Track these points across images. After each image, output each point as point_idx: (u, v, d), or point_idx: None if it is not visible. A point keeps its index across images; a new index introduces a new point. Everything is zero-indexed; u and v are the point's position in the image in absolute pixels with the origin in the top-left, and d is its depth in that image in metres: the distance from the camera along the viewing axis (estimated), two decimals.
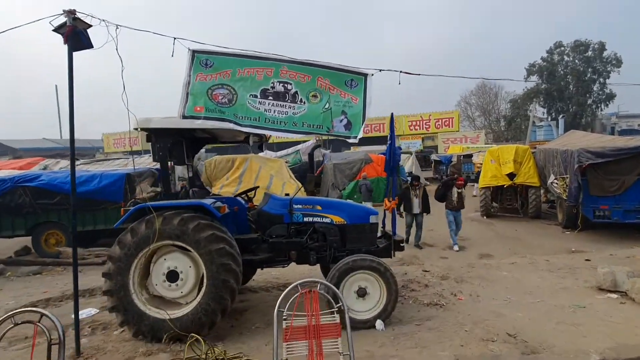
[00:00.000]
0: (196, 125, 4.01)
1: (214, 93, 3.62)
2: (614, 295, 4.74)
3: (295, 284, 2.85)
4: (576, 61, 38.61)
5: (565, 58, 39.14)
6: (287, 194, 5.08)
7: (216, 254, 3.87)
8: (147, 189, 9.51)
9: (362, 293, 4.22)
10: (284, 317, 2.75)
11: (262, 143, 5.57)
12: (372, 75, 3.96)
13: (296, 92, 3.72)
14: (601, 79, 38.30)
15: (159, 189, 10.59)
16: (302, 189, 12.79)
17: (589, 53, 38.00)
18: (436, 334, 3.90)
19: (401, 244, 4.75)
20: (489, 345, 3.52)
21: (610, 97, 38.37)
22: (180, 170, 11.64)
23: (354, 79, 3.86)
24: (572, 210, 8.88)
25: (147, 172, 9.80)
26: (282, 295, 2.78)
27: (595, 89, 38.96)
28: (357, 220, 4.76)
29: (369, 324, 4.16)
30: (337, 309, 2.95)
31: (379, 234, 5.19)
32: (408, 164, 21.43)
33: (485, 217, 11.62)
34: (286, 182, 12.29)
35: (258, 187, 5.92)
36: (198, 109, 3.60)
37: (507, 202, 11.70)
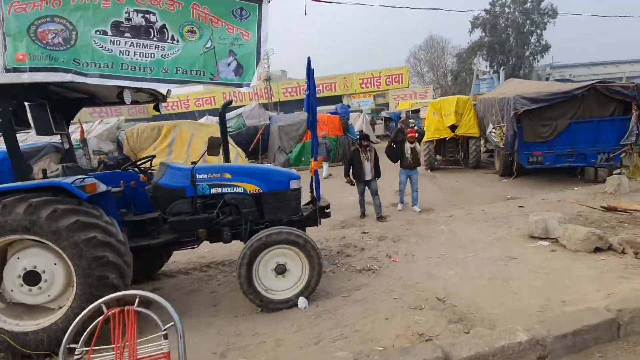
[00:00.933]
0: (22, 80, 2.90)
1: (39, 30, 2.56)
2: (545, 243, 4.57)
3: (99, 301, 2.02)
4: (516, 13, 39.15)
5: (507, 10, 39.54)
6: (193, 162, 4.27)
7: (85, 246, 3.01)
8: (52, 168, 8.13)
9: (281, 270, 3.63)
10: (77, 357, 1.88)
11: (158, 101, 4.57)
12: (269, 2, 3.07)
13: (164, 26, 2.77)
14: (538, 31, 39.41)
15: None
16: (244, 156, 11.89)
17: (527, 4, 38.60)
18: (362, 307, 3.45)
19: (326, 210, 4.15)
20: (415, 316, 3.12)
21: (546, 48, 39.83)
22: (96, 143, 10.22)
23: (244, 8, 2.95)
24: (508, 159, 8.86)
25: (47, 147, 8.32)
26: (77, 321, 1.91)
27: (532, 40, 40.13)
28: (276, 187, 4.07)
29: (291, 303, 3.63)
30: (164, 334, 2.03)
31: (307, 200, 4.61)
32: (358, 122, 20.93)
33: (429, 171, 11.51)
34: None
35: (154, 156, 4.93)
36: (20, 57, 2.55)
37: (450, 154, 11.62)
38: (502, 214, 6.28)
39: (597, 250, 4.04)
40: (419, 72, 47.47)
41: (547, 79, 38.86)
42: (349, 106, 20.42)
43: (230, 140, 12.03)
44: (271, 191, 4.05)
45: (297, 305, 3.61)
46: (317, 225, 4.21)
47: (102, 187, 3.38)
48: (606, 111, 7.67)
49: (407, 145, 7.10)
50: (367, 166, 6.73)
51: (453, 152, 11.57)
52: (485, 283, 3.67)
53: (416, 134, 7.20)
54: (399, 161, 7.22)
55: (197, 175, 3.93)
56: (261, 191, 4.02)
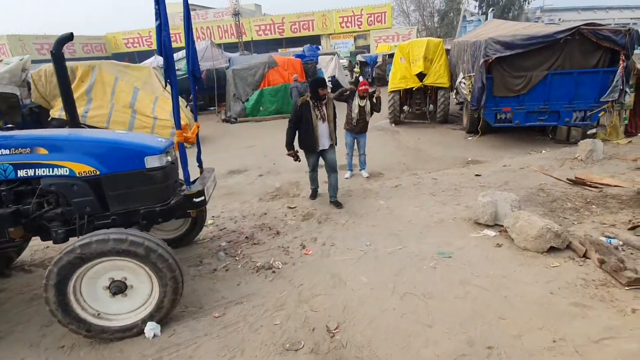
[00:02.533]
0: None
1: None
2: (492, 233, 3.61)
3: None
4: None
5: None
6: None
7: None
8: None
9: (118, 289, 2.54)
10: None
11: None
12: None
13: None
14: None
15: None
16: (185, 106, 10.25)
17: None
18: (223, 343, 2.45)
19: (195, 199, 2.95)
20: None
21: None
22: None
23: None
24: (474, 115, 7.68)
25: None
26: None
27: None
28: (122, 167, 2.81)
29: (136, 330, 2.60)
30: None
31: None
32: (330, 67, 18.93)
33: (393, 125, 10.27)
34: (159, 96, 9.56)
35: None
36: None
37: (417, 106, 10.29)
38: (453, 185, 5.26)
39: (552, 249, 3.09)
40: (404, 10, 43.58)
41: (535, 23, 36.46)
42: (318, 48, 18.11)
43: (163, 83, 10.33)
44: (115, 172, 2.80)
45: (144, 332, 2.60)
46: (189, 217, 3.06)
47: None
48: (590, 61, 6.39)
49: (356, 102, 5.66)
50: (323, 129, 4.49)
51: (420, 105, 10.25)
52: (398, 303, 2.70)
53: (369, 88, 5.74)
54: (345, 124, 5.89)
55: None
56: (98, 173, 2.77)
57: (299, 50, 18.95)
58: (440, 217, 4.20)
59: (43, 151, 2.70)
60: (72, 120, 3.43)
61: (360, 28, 34.46)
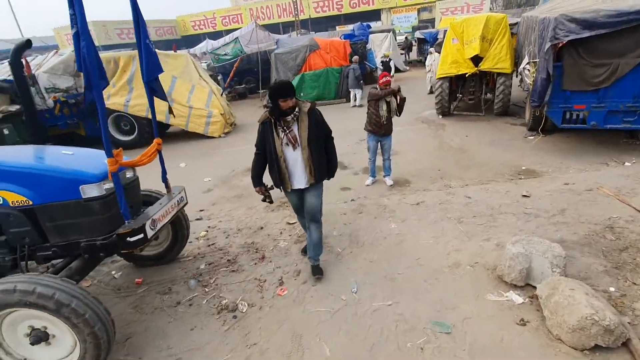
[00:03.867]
0: None
1: None
2: (517, 299, 2.65)
3: None
4: None
5: None
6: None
7: None
8: None
9: (38, 338, 2.26)
10: None
11: None
12: None
13: None
14: None
15: (13, 108, 8.13)
16: (221, 94, 10.06)
17: None
18: None
19: (129, 238, 2.50)
20: None
21: None
22: (46, 79, 8.94)
23: None
24: (536, 113, 6.17)
25: None
26: None
27: None
28: (56, 197, 2.49)
29: None
30: None
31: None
32: (384, 45, 17.43)
33: (440, 117, 8.96)
34: (195, 84, 9.47)
35: None
36: None
37: (470, 95, 8.79)
38: (490, 207, 4.20)
39: (599, 347, 2.11)
40: None
41: None
42: (369, 26, 16.56)
43: (202, 72, 10.16)
44: (49, 202, 2.49)
45: None
46: (129, 252, 2.66)
47: None
48: None
49: (382, 101, 4.69)
50: (294, 159, 2.96)
51: (474, 94, 8.73)
52: None
53: (390, 80, 4.79)
54: (366, 124, 5.05)
55: None
56: (31, 203, 2.47)
57: (352, 29, 17.67)
58: (458, 258, 3.29)
59: None
60: (35, 133, 3.20)
61: None
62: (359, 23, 16.08)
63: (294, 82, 12.19)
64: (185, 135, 9.68)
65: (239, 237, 4.17)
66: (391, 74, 6.38)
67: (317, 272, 3.24)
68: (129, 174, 2.89)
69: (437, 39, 18.50)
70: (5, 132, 7.91)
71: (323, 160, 3.00)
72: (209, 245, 4.07)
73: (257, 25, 14.11)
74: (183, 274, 3.54)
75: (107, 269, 3.82)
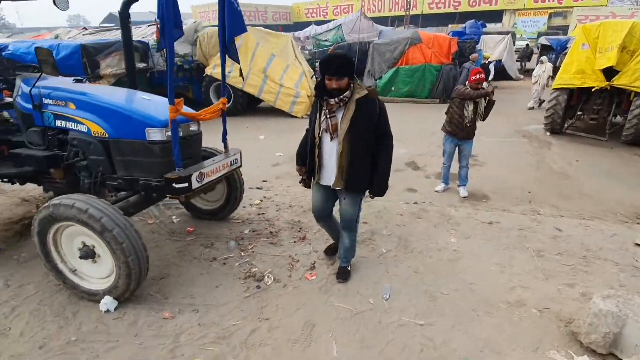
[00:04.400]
0: None
1: None
2: None
3: None
4: None
5: None
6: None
7: None
8: (113, 64, 8.36)
9: (86, 254, 2.50)
10: None
11: None
12: None
13: None
14: None
15: (141, 65, 9.35)
16: (314, 78, 10.16)
17: None
18: (132, 354, 2.11)
19: (175, 185, 2.56)
20: None
21: None
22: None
23: None
24: None
25: (116, 44, 8.45)
26: None
27: None
28: (126, 134, 2.71)
29: (98, 298, 2.57)
30: None
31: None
32: (498, 49, 15.64)
33: (548, 134, 7.64)
34: (290, 65, 9.74)
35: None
36: None
37: (593, 114, 7.25)
38: (585, 248, 3.37)
39: None
40: None
41: None
42: (484, 25, 14.86)
43: (299, 53, 10.33)
44: (120, 138, 2.72)
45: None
46: (181, 199, 2.76)
47: None
48: None
49: (470, 102, 4.14)
50: (329, 150, 2.46)
51: (600, 113, 7.17)
52: None
53: (483, 77, 4.16)
54: (444, 124, 4.52)
55: (43, 99, 2.87)
56: (107, 136, 2.73)
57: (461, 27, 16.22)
58: (523, 297, 2.69)
59: (72, 106, 2.80)
60: (132, 83, 3.54)
61: (560, 3, 27.11)
62: (472, 20, 14.61)
63: (387, 76, 11.72)
64: (272, 111, 10.09)
65: (287, 213, 4.13)
66: (489, 78, 5.57)
67: (343, 276, 2.85)
68: (193, 127, 3.00)
69: (567, 47, 15.93)
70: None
71: (364, 166, 2.40)
72: (258, 214, 4.11)
73: (362, 13, 13.85)
74: (227, 234, 3.63)
75: (170, 212, 4.14)
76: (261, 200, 4.47)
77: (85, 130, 2.78)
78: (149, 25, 10.88)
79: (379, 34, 14.13)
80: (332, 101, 2.29)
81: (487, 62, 12.56)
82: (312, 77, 10.08)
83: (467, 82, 4.27)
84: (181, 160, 2.60)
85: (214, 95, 10.18)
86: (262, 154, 6.52)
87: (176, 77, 10.22)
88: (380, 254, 3.27)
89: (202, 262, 3.13)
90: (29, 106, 2.90)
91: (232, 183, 3.67)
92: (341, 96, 2.27)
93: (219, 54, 9.54)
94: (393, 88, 11.73)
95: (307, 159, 2.57)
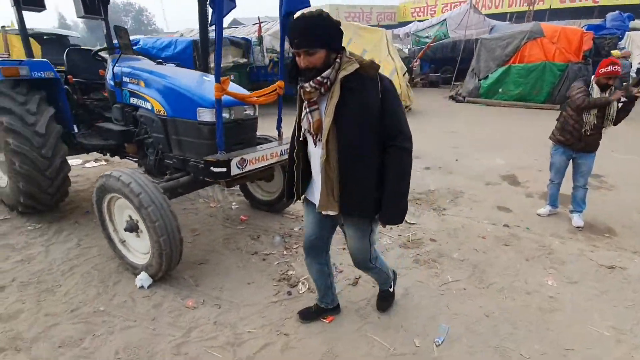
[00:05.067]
0: None
1: None
2: None
3: None
4: None
5: None
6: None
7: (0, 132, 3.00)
8: (228, 59, 9.03)
9: (130, 227, 2.54)
10: None
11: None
12: None
13: None
14: None
15: (242, 60, 9.94)
16: (403, 74, 9.44)
17: None
18: (138, 339, 1.99)
19: (214, 169, 2.37)
20: None
21: None
22: (269, 41, 10.47)
23: None
24: None
25: (224, 41, 9.15)
26: None
27: None
28: (180, 113, 2.68)
29: (137, 272, 2.59)
30: None
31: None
32: None
33: None
34: (382, 61, 9.20)
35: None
36: None
37: None
38: None
39: None
40: None
41: None
42: (630, 17, 11.68)
43: (392, 50, 9.65)
44: (175, 117, 2.70)
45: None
46: (220, 184, 2.60)
47: (24, 72, 3.09)
48: None
49: (595, 95, 3.10)
50: (315, 157, 1.69)
51: None
52: None
53: (619, 70, 3.00)
54: (554, 132, 3.49)
55: (123, 77, 3.05)
56: (166, 115, 2.74)
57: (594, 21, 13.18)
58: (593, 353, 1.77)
59: (142, 84, 2.90)
60: (205, 67, 3.56)
61: None
62: (616, 12, 11.72)
63: (494, 75, 10.18)
64: None
65: None
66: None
67: (384, 304, 2.25)
68: (248, 111, 2.83)
69: None
70: (231, 77, 9.95)
71: (364, 179, 1.60)
72: None
73: (472, 6, 12.36)
74: (277, 228, 3.41)
75: (231, 199, 4.14)
76: None
77: (150, 108, 2.84)
78: (254, 24, 11.59)
79: (491, 30, 12.46)
80: (306, 87, 1.51)
81: (629, 60, 9.90)
82: (404, 75, 9.37)
83: (593, 77, 3.19)
84: (224, 143, 2.43)
85: None
86: None
87: (272, 72, 10.66)
88: (444, 283, 2.61)
89: (243, 254, 2.96)
90: (112, 83, 3.12)
91: None
92: (318, 77, 1.49)
93: None
94: (501, 90, 10.17)
95: (287, 171, 1.84)
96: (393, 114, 1.56)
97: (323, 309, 2.20)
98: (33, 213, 3.47)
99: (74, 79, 3.60)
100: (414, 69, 15.63)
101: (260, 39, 10.04)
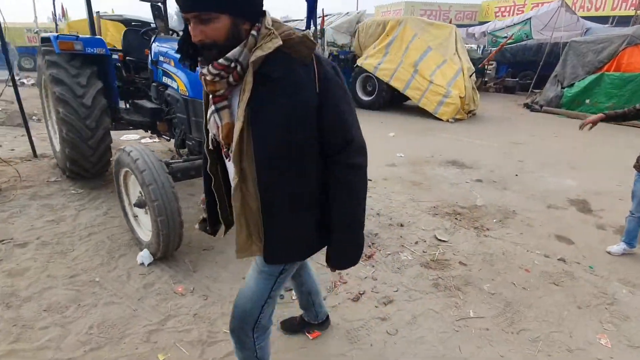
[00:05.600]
0: None
1: None
2: None
3: None
4: None
5: None
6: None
7: (52, 98, 3.31)
8: None
9: (139, 204, 2.53)
10: None
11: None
12: None
13: None
14: None
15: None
16: (471, 74, 8.58)
17: None
18: (115, 316, 1.94)
19: None
20: None
21: None
22: (331, 35, 10.25)
23: None
24: None
25: None
26: None
27: None
28: (199, 95, 2.60)
29: (142, 247, 2.61)
30: None
31: None
32: None
33: None
34: (447, 60, 8.47)
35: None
36: None
37: None
38: None
39: None
40: None
41: None
42: None
43: (461, 47, 8.76)
44: (195, 98, 2.65)
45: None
46: None
47: (78, 47, 3.28)
48: None
49: None
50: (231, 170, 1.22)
51: None
52: None
53: None
54: (638, 160, 2.76)
55: (159, 56, 3.09)
56: (187, 95, 2.70)
57: None
58: None
59: (172, 63, 2.89)
60: None
61: None
62: None
63: (581, 84, 8.75)
64: (416, 111, 9.15)
65: (370, 221, 3.39)
66: None
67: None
68: None
69: None
70: None
71: (298, 215, 1.16)
72: None
73: (564, 4, 10.76)
74: None
75: None
76: None
77: (176, 88, 2.82)
78: (318, 17, 11.44)
79: (585, 33, 10.78)
80: (206, 73, 1.01)
81: None
82: (470, 77, 8.52)
83: None
84: None
85: (360, 87, 9.95)
86: (383, 152, 5.85)
87: None
88: (463, 318, 2.19)
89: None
90: (151, 62, 3.19)
91: None
92: (222, 60, 0.98)
93: (373, 45, 9.28)
94: (588, 101, 8.74)
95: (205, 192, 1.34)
96: (337, 116, 1.05)
97: (308, 323, 1.95)
98: (78, 178, 3.74)
99: (126, 58, 3.77)
100: (488, 72, 14.26)
101: (322, 31, 9.88)
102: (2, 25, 4.13)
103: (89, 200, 3.44)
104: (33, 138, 4.55)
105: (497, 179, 4.75)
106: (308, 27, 2.51)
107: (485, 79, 13.71)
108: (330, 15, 11.14)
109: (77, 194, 3.57)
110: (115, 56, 3.80)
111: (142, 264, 2.47)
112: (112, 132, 4.09)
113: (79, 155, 3.39)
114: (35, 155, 4.52)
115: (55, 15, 14.00)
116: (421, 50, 8.56)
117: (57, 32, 3.61)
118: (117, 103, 3.62)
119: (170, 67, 2.90)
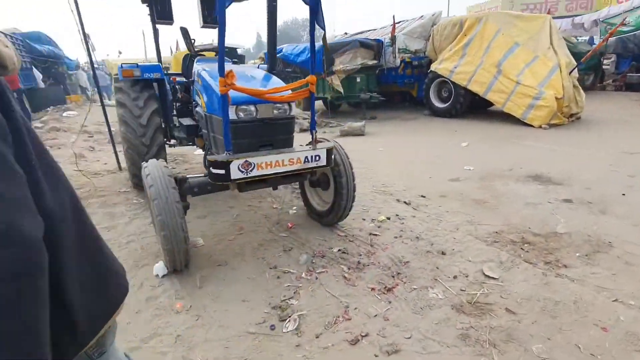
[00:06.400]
0: None
1: None
2: None
3: None
4: None
5: None
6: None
7: (119, 120, 3.80)
8: (345, 61, 8.98)
9: None
10: None
11: None
12: None
13: None
14: None
15: (371, 62, 9.54)
16: (570, 71, 7.08)
17: None
18: None
19: (213, 170, 2.12)
20: None
21: None
22: (402, 41, 9.70)
23: None
24: None
25: (352, 43, 9.05)
26: None
27: None
28: (213, 110, 2.63)
29: (160, 259, 2.69)
30: None
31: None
32: None
33: None
34: (540, 56, 7.18)
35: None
36: None
37: None
38: None
39: None
40: None
41: None
42: None
43: (557, 40, 7.26)
44: (211, 114, 2.67)
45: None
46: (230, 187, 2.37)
47: (137, 73, 3.67)
48: None
49: None
50: None
51: None
52: None
53: None
54: None
55: (195, 76, 3.25)
56: (205, 110, 2.75)
57: None
58: None
59: (200, 82, 2.99)
60: (271, 67, 3.41)
61: None
62: None
63: None
64: (502, 116, 7.99)
65: (403, 247, 2.92)
66: None
67: None
68: (279, 111, 2.51)
69: None
70: (357, 80, 9.73)
71: None
72: (370, 234, 3.16)
73: None
74: (315, 244, 2.98)
75: (293, 203, 3.94)
76: (389, 218, 3.44)
77: (201, 104, 2.90)
78: (390, 25, 11.05)
79: None
80: None
81: None
82: (570, 73, 7.03)
83: None
84: (230, 143, 2.20)
85: (434, 94, 9.17)
86: (448, 165, 5.18)
87: (403, 74, 9.94)
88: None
89: (262, 265, 2.69)
90: (191, 83, 3.38)
91: (338, 188, 2.95)
92: None
93: (449, 47, 8.46)
94: None
95: None
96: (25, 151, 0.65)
97: None
98: (142, 189, 4.18)
99: (177, 79, 4.11)
100: (606, 66, 11.70)
101: (393, 38, 9.47)
102: (93, 59, 4.96)
103: (143, 210, 3.78)
104: (119, 153, 5.30)
105: (594, 200, 3.69)
106: (313, 29, 2.28)
107: (605, 77, 11.30)
108: (403, 21, 10.62)
109: (138, 203, 3.97)
110: (179, 79, 4.18)
111: (157, 275, 2.54)
112: (185, 148, 4.46)
113: (137, 169, 3.77)
114: (120, 168, 5.25)
115: (171, 50, 16.86)
116: (506, 47, 7.45)
117: (160, 63, 4.00)
118: (170, 121, 3.94)
119: (198, 86, 3.00)
